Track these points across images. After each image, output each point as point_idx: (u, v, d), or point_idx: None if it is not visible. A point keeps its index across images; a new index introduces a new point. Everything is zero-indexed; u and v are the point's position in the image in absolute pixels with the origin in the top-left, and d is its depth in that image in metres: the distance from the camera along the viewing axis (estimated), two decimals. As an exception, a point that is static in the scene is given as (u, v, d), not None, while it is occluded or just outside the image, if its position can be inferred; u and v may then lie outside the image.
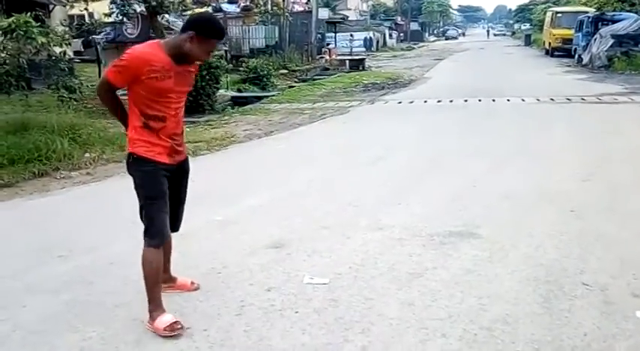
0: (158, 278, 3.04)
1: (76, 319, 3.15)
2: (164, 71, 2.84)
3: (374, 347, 2.79)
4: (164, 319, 2.94)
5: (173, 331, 2.91)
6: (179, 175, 3.09)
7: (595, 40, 19.62)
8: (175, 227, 3.20)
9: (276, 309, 3.20)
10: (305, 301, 3.29)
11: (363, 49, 36.18)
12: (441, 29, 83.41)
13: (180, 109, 3.03)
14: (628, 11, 21.85)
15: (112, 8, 14.01)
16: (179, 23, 14.94)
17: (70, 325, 3.09)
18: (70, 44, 11.62)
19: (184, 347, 2.84)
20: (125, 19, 14.02)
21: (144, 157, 2.90)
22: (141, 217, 2.99)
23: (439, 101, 12.66)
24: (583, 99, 12.03)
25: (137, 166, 2.92)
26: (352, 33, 35.29)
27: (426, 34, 68.89)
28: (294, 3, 27.62)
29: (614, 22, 20.00)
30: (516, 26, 70.16)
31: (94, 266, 3.91)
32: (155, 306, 2.99)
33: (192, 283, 3.48)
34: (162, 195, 2.94)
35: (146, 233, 2.96)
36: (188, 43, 2.84)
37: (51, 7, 15.02)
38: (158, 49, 2.87)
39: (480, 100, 12.38)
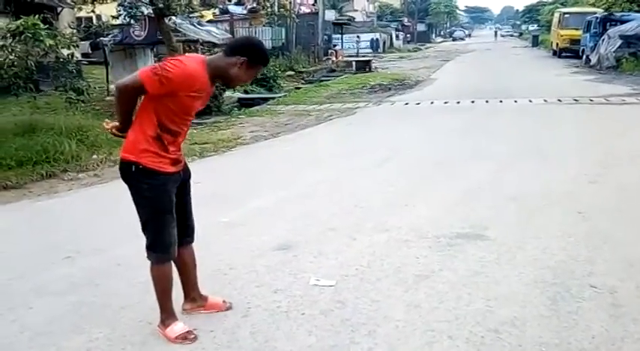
0: (170, 287, 2.95)
1: (82, 321, 3.16)
2: (201, 92, 2.76)
3: (380, 349, 2.79)
4: (176, 328, 2.92)
5: (185, 341, 2.89)
6: (182, 182, 2.98)
7: (603, 40, 19.49)
8: (191, 237, 3.10)
9: (282, 311, 3.20)
10: (311, 302, 3.29)
11: (370, 50, 36.18)
12: (448, 30, 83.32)
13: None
14: (637, 11, 21.70)
15: (119, 10, 14.07)
16: (186, 25, 14.98)
17: (77, 327, 3.10)
18: (77, 46, 11.72)
19: (191, 348, 2.84)
20: (132, 22, 14.06)
21: (153, 169, 2.76)
22: (144, 231, 2.86)
23: (446, 102, 12.64)
24: (591, 100, 11.96)
25: (144, 177, 2.77)
26: (359, 34, 35.34)
27: (433, 36, 68.79)
28: (300, 5, 27.68)
29: (623, 22, 19.85)
30: (524, 27, 69.98)
31: (100, 268, 3.92)
32: (167, 314, 2.96)
33: (224, 302, 3.27)
34: (171, 208, 2.84)
35: (152, 248, 2.85)
36: (236, 67, 2.75)
37: (59, 9, 15.14)
38: (203, 68, 2.74)
39: (486, 102, 12.34)
